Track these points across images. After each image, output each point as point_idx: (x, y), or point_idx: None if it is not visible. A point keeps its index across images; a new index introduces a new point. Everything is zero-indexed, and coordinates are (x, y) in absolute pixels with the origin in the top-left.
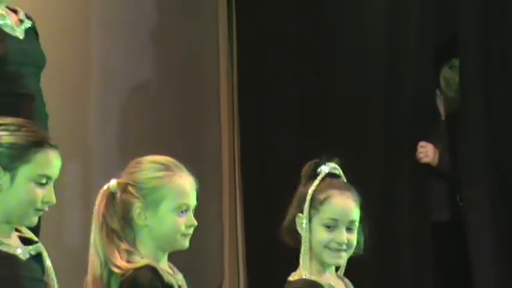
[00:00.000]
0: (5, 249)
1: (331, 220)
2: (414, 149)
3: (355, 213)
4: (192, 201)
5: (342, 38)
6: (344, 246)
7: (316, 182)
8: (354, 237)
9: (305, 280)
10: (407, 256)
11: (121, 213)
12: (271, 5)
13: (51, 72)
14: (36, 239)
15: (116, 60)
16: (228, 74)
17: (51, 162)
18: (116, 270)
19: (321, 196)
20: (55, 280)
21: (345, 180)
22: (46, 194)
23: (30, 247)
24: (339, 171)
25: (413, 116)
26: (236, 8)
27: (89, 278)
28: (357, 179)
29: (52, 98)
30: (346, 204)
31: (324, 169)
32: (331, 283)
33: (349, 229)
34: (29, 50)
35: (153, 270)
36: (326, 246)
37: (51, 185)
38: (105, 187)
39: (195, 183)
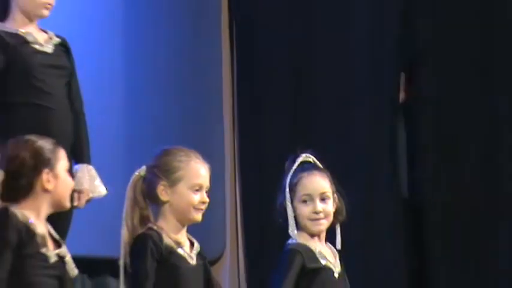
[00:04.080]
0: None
1: (306, 195)
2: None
3: (325, 186)
4: (205, 183)
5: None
6: (321, 215)
7: (292, 170)
8: (328, 207)
9: (299, 243)
10: (381, 232)
11: (147, 192)
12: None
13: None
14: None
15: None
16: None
17: None
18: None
19: (295, 180)
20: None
21: (318, 165)
22: None
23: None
24: (311, 158)
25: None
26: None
27: (122, 245)
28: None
29: None
30: (314, 180)
31: (298, 160)
32: (321, 250)
33: (322, 200)
34: (55, 61)
35: (149, 231)
36: (307, 218)
37: None
38: (136, 173)
39: (208, 170)
